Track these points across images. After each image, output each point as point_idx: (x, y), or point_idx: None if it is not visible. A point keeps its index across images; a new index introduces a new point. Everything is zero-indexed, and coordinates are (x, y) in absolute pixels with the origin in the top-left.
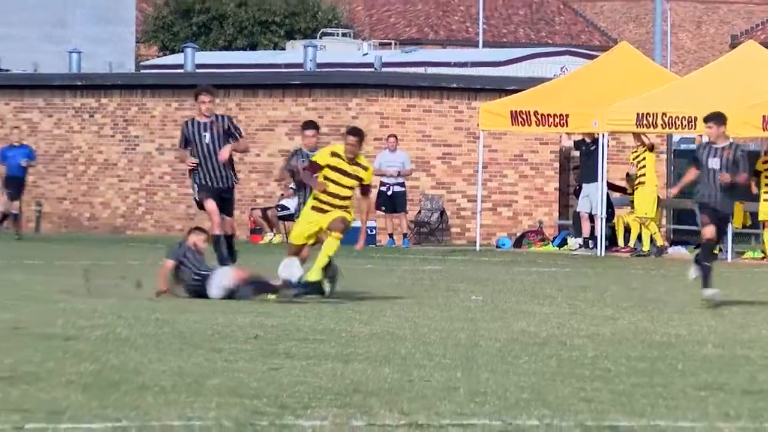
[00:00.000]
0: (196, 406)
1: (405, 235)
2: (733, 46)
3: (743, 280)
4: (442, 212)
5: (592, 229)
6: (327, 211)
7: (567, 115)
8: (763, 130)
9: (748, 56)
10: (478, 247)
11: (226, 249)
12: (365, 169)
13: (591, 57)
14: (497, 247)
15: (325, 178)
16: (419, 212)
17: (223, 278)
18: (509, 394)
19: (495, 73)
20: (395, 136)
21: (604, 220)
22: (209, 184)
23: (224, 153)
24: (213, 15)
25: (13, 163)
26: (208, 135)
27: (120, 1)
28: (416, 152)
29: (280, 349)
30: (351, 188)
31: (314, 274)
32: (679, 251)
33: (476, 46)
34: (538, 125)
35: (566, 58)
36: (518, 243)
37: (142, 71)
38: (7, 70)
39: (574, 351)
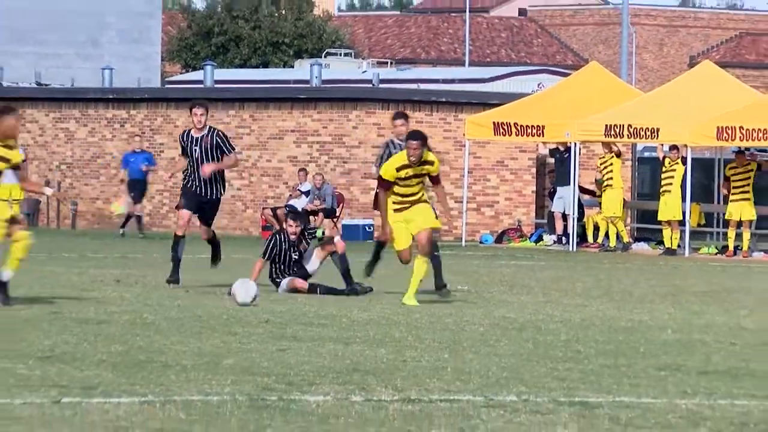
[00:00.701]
0: (213, 383)
1: None
2: (691, 65)
3: (699, 273)
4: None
5: (565, 227)
6: (407, 207)
7: (543, 127)
8: (717, 139)
9: (704, 75)
10: (463, 243)
11: (179, 252)
12: (431, 164)
13: (565, 75)
14: (480, 242)
15: (394, 192)
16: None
17: (249, 288)
18: (491, 373)
19: (479, 89)
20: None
21: (575, 219)
22: (193, 190)
23: (206, 170)
24: (230, 37)
25: (135, 167)
26: (198, 149)
27: (148, 24)
28: None
29: (287, 333)
30: (421, 183)
31: (410, 299)
32: (642, 247)
33: (463, 64)
34: (517, 135)
35: (543, 75)
36: (499, 239)
37: (166, 86)
38: (48, 85)
39: (548, 335)
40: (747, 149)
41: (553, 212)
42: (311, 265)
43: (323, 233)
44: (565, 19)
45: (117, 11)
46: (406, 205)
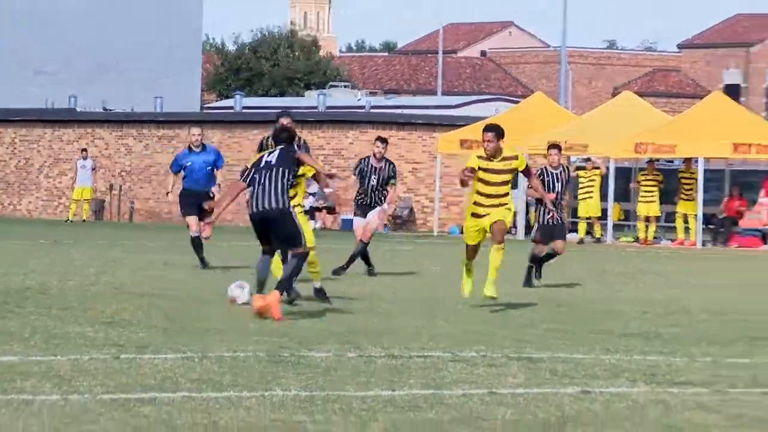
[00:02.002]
0: (239, 342)
1: (385, 225)
2: (614, 95)
3: (619, 258)
4: (411, 209)
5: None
6: (482, 212)
7: None
8: (634, 152)
9: (625, 102)
10: (435, 234)
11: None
12: (515, 158)
13: (515, 102)
14: (449, 233)
15: (479, 180)
16: (395, 209)
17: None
18: (458, 336)
19: (449, 113)
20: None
21: (524, 214)
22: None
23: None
24: (254, 72)
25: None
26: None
27: (191, 62)
28: None
29: (297, 305)
30: (506, 183)
31: (490, 290)
32: (572, 236)
33: (436, 94)
34: (478, 149)
35: (499, 103)
36: (463, 231)
37: (205, 110)
38: (113, 110)
39: (503, 307)
40: (657, 160)
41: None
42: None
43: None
44: (516, 58)
45: (168, 54)
46: (484, 213)
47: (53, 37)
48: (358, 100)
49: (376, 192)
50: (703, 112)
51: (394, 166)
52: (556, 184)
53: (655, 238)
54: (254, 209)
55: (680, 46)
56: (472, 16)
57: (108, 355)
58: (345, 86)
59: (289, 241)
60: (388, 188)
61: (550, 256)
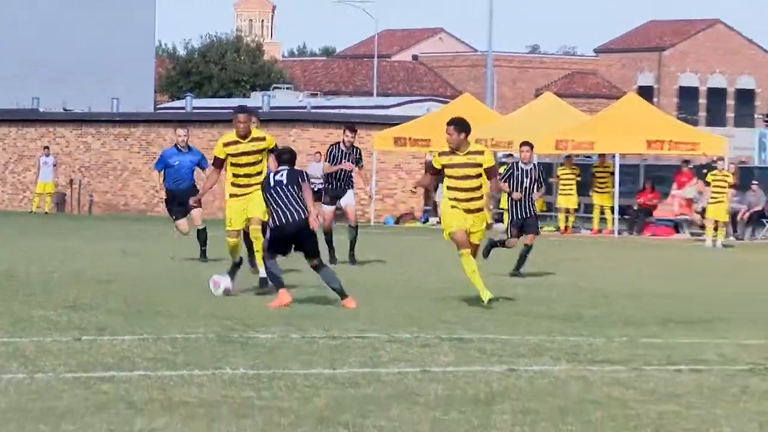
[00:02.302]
0: (192, 325)
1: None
2: (536, 95)
3: (542, 246)
4: None
5: None
6: (462, 207)
7: (429, 140)
8: (555, 149)
9: (546, 102)
10: (372, 223)
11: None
12: (481, 153)
13: (445, 103)
14: (384, 223)
15: (448, 177)
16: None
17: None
18: (393, 318)
19: (384, 113)
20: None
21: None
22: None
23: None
24: (204, 75)
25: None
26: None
27: (145, 65)
28: None
29: (248, 288)
30: (476, 177)
31: (486, 294)
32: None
33: (372, 95)
34: (411, 146)
35: (430, 103)
36: (398, 221)
37: (158, 111)
38: (72, 110)
39: (435, 290)
40: (576, 155)
41: (437, 201)
42: None
43: None
44: (446, 62)
45: (124, 59)
46: (461, 207)
47: (16, 46)
48: (300, 101)
49: (345, 179)
50: (619, 111)
51: (360, 151)
52: (525, 180)
53: (574, 227)
54: (284, 222)
55: (597, 51)
56: (406, 23)
57: (70, 337)
58: (288, 88)
59: (313, 251)
60: (354, 173)
61: (527, 251)
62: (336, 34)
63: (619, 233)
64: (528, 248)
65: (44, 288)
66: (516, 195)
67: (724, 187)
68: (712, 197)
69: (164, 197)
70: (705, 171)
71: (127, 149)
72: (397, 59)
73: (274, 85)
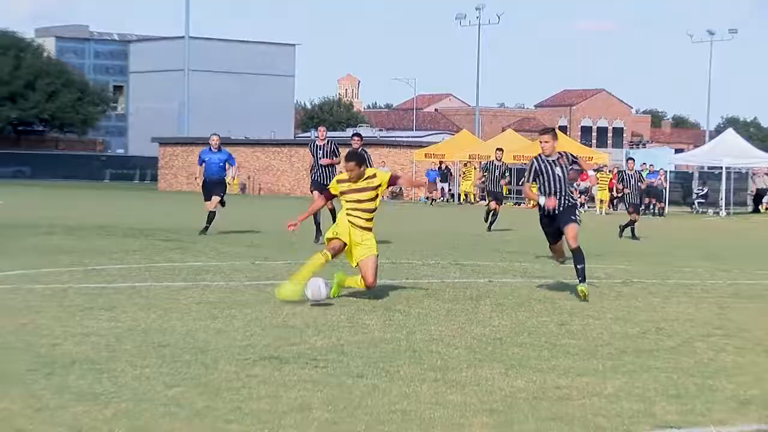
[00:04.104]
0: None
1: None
2: (503, 131)
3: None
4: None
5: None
6: (353, 224)
7: (444, 154)
8: (513, 160)
9: (509, 135)
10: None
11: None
12: (374, 176)
13: (452, 135)
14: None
15: (346, 201)
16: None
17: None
18: (422, 252)
19: (419, 140)
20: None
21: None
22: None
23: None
24: (320, 118)
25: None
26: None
27: (288, 112)
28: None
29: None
30: (373, 199)
31: (335, 291)
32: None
33: (413, 130)
34: (433, 158)
35: (444, 135)
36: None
37: (296, 138)
38: (249, 138)
39: (447, 236)
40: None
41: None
42: None
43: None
44: (453, 112)
45: (278, 109)
46: (354, 222)
47: (217, 103)
48: (374, 133)
49: (326, 168)
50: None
51: (335, 143)
52: (496, 172)
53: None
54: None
55: (536, 105)
56: (431, 88)
57: (248, 261)
58: (366, 126)
59: None
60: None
61: (494, 215)
62: (392, 95)
63: None
64: (496, 214)
65: (234, 238)
66: (503, 182)
67: (605, 182)
68: (599, 187)
69: (200, 183)
70: (595, 171)
71: (279, 159)
72: (427, 111)
73: (359, 124)
